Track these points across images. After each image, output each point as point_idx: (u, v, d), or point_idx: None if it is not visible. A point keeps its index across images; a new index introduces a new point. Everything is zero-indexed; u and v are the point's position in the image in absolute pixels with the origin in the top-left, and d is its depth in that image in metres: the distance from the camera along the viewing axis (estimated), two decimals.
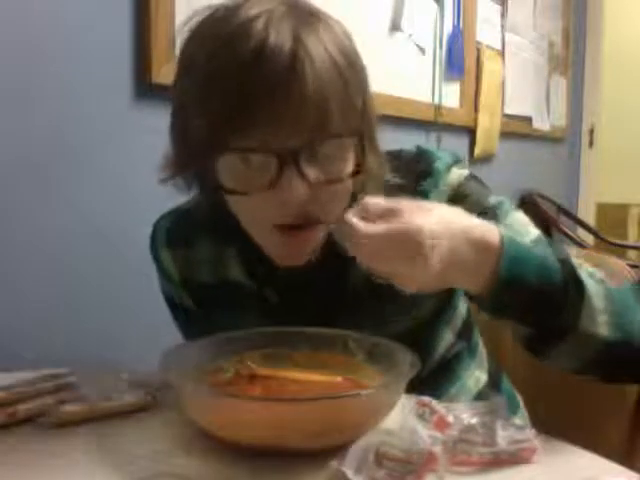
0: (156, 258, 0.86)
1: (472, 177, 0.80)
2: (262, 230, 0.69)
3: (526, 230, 0.74)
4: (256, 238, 0.71)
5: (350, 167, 0.67)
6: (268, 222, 0.67)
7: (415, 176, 0.78)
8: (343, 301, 0.81)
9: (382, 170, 0.73)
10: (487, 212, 0.73)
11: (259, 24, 0.61)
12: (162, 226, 0.85)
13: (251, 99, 0.60)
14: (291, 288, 0.79)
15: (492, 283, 0.58)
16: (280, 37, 0.60)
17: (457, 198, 0.76)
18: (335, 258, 0.69)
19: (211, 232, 0.81)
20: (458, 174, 0.79)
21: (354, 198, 0.69)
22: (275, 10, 0.62)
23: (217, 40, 0.62)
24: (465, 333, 0.90)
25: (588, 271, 0.63)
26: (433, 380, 0.84)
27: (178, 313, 0.92)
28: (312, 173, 0.63)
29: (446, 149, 0.86)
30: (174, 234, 0.84)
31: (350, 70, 0.64)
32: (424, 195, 0.76)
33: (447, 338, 0.86)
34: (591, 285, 0.61)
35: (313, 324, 0.78)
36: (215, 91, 0.61)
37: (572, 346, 0.61)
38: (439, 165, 0.79)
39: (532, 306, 0.60)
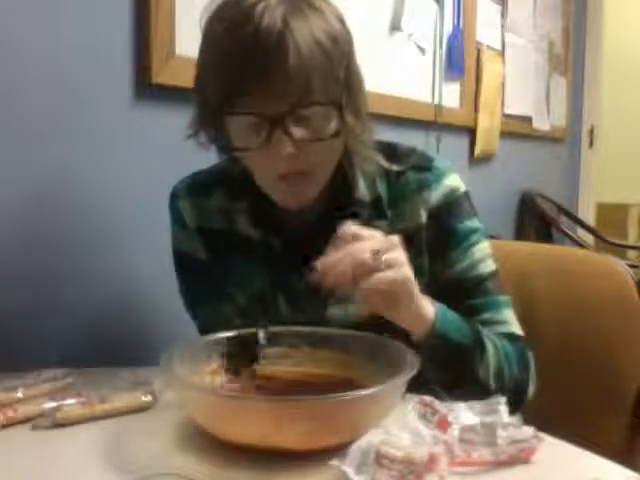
0: (174, 211, 0.96)
1: (468, 195, 0.91)
2: (268, 179, 0.82)
3: (484, 263, 0.90)
4: (264, 186, 0.84)
5: (333, 129, 0.79)
6: (271, 173, 0.80)
7: (412, 167, 0.89)
8: None
9: (367, 135, 0.84)
10: (459, 235, 0.89)
11: (258, 9, 0.72)
12: (183, 182, 0.97)
13: (247, 73, 0.73)
14: (294, 239, 0.89)
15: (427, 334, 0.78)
16: (271, 21, 0.72)
17: (450, 201, 0.89)
18: (336, 224, 0.83)
19: (224, 188, 0.93)
20: (459, 183, 0.91)
21: (349, 159, 0.86)
22: None
23: (226, 22, 0.75)
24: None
25: (489, 336, 0.84)
26: None
27: (188, 272, 0.98)
28: (297, 133, 0.76)
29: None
30: (194, 186, 0.96)
31: (334, 48, 0.76)
32: (427, 186, 0.88)
33: None
34: (489, 347, 0.83)
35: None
36: (222, 66, 0.75)
37: (470, 388, 0.79)
38: (438, 164, 0.90)
39: (451, 357, 0.79)
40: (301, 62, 0.72)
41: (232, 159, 0.86)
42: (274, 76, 0.72)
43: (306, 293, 0.89)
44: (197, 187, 0.95)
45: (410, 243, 0.87)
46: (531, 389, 0.89)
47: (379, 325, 0.77)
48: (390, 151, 0.91)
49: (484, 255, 0.90)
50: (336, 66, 0.77)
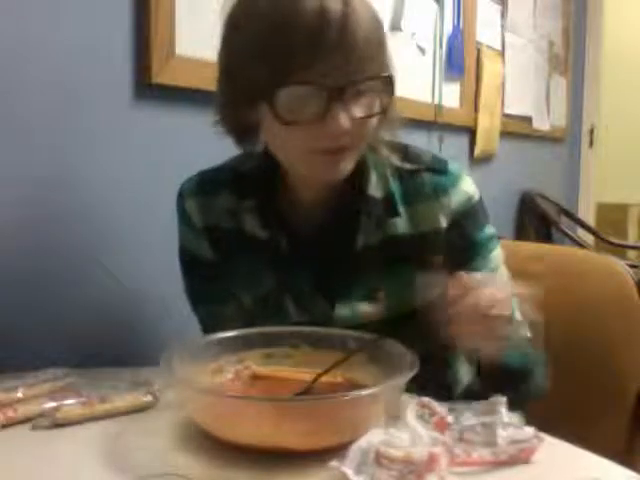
0: (182, 210, 0.95)
1: (481, 200, 0.91)
2: (303, 155, 0.80)
3: (501, 269, 0.91)
4: (296, 161, 0.82)
5: (378, 106, 0.80)
6: (309, 149, 0.78)
7: (427, 169, 0.89)
8: (349, 263, 0.88)
9: (384, 132, 0.86)
10: (478, 245, 0.90)
11: None
12: (190, 180, 0.96)
13: (311, 46, 0.73)
14: (303, 237, 0.89)
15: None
16: (333, 1, 0.73)
17: (468, 210, 0.88)
18: (346, 221, 0.86)
19: (232, 187, 0.92)
20: (474, 188, 0.90)
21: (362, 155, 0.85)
22: None
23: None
24: None
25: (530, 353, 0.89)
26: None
27: (193, 272, 0.98)
28: (355, 108, 0.76)
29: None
30: (201, 185, 0.95)
31: (382, 27, 0.80)
32: (444, 191, 0.87)
33: None
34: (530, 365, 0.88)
35: (319, 279, 0.88)
36: (282, 37, 0.73)
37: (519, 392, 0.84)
38: (452, 168, 0.90)
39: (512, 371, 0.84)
40: (363, 38, 0.74)
41: (246, 155, 0.88)
42: (337, 51, 0.73)
43: (312, 293, 0.89)
44: (204, 186, 0.95)
45: (427, 245, 0.87)
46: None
47: (384, 325, 0.78)
48: (401, 150, 0.91)
49: (499, 262, 0.91)
50: (385, 43, 0.81)
